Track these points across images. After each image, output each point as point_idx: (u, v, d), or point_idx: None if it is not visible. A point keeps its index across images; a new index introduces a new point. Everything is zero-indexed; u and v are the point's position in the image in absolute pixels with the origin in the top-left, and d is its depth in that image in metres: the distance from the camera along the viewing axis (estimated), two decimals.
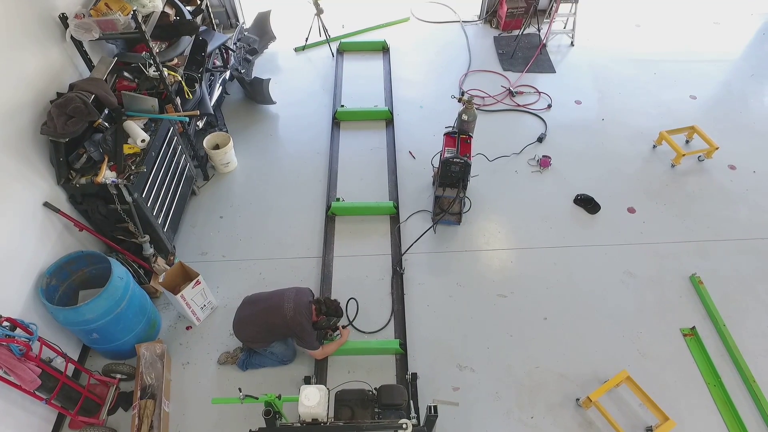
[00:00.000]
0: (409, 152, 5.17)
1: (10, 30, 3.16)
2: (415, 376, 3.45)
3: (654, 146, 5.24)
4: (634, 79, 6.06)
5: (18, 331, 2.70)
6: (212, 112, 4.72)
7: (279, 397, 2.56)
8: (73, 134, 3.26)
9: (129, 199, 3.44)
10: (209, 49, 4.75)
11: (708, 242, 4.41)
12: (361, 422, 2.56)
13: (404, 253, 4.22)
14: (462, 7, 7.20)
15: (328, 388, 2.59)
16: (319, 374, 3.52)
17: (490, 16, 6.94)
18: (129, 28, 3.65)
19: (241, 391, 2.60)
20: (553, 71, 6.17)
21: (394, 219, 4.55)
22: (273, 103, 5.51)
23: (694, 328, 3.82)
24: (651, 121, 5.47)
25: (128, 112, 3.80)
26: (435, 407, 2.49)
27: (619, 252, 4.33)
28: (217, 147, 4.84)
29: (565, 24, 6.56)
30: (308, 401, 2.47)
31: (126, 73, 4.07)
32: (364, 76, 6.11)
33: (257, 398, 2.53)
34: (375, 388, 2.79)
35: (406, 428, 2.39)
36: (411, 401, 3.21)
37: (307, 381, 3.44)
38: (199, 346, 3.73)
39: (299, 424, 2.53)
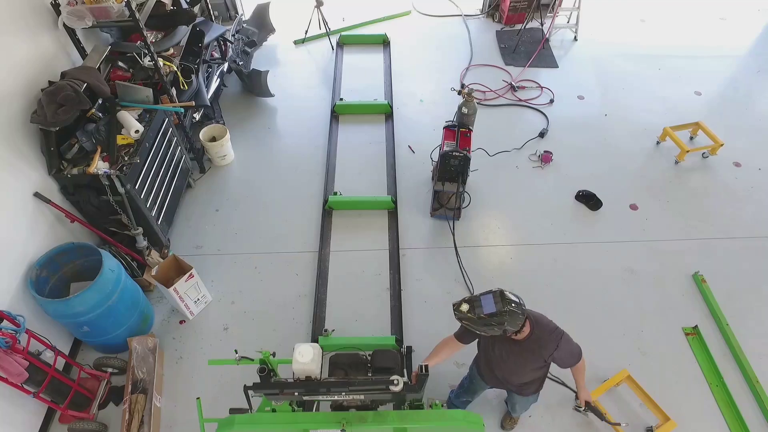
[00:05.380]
0: (409, 146, 5.10)
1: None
2: (410, 349, 3.36)
3: (658, 142, 5.16)
4: (638, 75, 5.98)
5: (4, 323, 2.65)
6: (209, 104, 4.66)
7: (274, 355, 2.56)
8: (64, 123, 3.19)
9: (121, 190, 3.38)
10: (206, 40, 4.68)
11: (712, 240, 4.33)
12: (354, 378, 2.53)
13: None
14: (464, 0, 7.11)
15: (322, 347, 2.59)
16: None
17: (492, 9, 6.85)
18: (123, 16, 3.57)
19: (237, 353, 2.61)
20: (556, 66, 6.09)
21: (392, 214, 4.48)
22: (271, 95, 5.45)
23: (696, 327, 3.75)
24: (655, 117, 5.38)
25: (122, 102, 3.73)
26: (426, 366, 2.51)
27: (621, 249, 4.26)
28: (213, 139, 4.78)
29: (569, 18, 6.46)
30: (302, 357, 2.44)
31: (120, 63, 4.01)
32: (364, 69, 6.04)
33: (252, 360, 2.54)
34: (369, 354, 2.78)
35: (398, 384, 2.36)
36: (405, 370, 3.15)
37: None
38: (193, 340, 3.68)
39: (293, 381, 2.52)
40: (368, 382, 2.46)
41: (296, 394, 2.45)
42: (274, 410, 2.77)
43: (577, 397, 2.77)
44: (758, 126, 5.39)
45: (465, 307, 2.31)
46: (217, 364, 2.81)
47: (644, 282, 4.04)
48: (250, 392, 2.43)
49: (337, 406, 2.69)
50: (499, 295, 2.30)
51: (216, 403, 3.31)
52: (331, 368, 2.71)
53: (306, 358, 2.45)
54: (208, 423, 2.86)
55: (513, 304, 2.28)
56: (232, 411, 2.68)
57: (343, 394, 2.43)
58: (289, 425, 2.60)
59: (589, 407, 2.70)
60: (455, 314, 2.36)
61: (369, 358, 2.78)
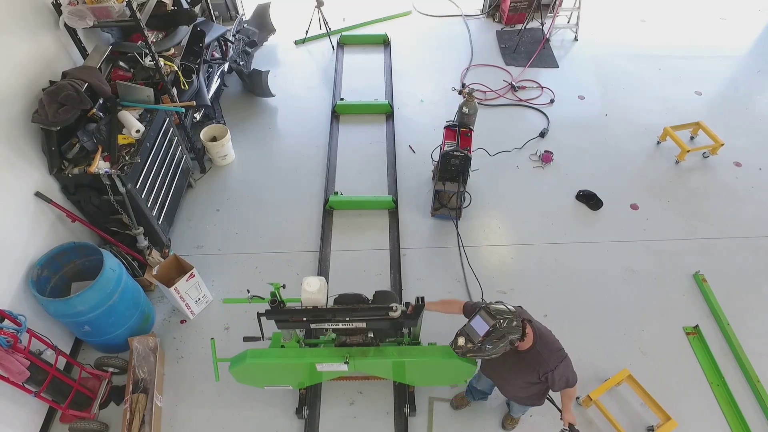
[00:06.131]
0: (409, 146, 5.11)
1: (0, 16, 3.10)
2: (408, 305, 3.37)
3: (658, 142, 5.16)
4: (638, 75, 5.98)
5: (6, 322, 2.65)
6: (209, 104, 4.66)
7: (284, 287, 2.74)
8: (65, 123, 3.20)
9: (122, 190, 3.38)
10: (207, 40, 4.68)
11: (712, 240, 4.33)
12: (356, 306, 2.69)
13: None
14: (464, 0, 7.12)
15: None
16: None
17: (492, 10, 6.86)
18: (124, 16, 3.58)
19: (249, 292, 2.79)
20: (556, 66, 6.09)
21: (393, 213, 4.48)
22: (272, 95, 5.45)
23: (697, 326, 3.75)
24: (655, 117, 5.38)
25: (123, 102, 3.74)
26: (422, 298, 2.65)
27: (622, 249, 4.26)
28: (214, 139, 4.78)
29: (569, 18, 6.46)
30: (309, 287, 2.63)
31: (121, 63, 4.02)
32: (364, 69, 6.04)
33: (263, 298, 2.70)
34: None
35: (396, 310, 2.56)
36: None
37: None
38: (194, 340, 3.68)
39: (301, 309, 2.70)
40: (369, 309, 2.67)
41: (304, 320, 2.64)
42: (283, 347, 2.97)
43: (561, 418, 2.71)
44: (758, 126, 5.39)
45: (461, 340, 2.27)
46: (231, 303, 3.03)
47: (645, 282, 4.04)
48: (263, 318, 2.68)
49: (341, 344, 2.90)
50: (485, 312, 2.27)
51: (215, 405, 3.31)
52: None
53: (313, 288, 2.64)
54: (221, 362, 3.03)
55: (502, 313, 2.26)
56: (246, 339, 2.88)
57: (347, 320, 2.64)
58: (297, 359, 2.83)
59: (572, 430, 2.64)
60: (457, 352, 2.31)
61: (371, 300, 2.93)
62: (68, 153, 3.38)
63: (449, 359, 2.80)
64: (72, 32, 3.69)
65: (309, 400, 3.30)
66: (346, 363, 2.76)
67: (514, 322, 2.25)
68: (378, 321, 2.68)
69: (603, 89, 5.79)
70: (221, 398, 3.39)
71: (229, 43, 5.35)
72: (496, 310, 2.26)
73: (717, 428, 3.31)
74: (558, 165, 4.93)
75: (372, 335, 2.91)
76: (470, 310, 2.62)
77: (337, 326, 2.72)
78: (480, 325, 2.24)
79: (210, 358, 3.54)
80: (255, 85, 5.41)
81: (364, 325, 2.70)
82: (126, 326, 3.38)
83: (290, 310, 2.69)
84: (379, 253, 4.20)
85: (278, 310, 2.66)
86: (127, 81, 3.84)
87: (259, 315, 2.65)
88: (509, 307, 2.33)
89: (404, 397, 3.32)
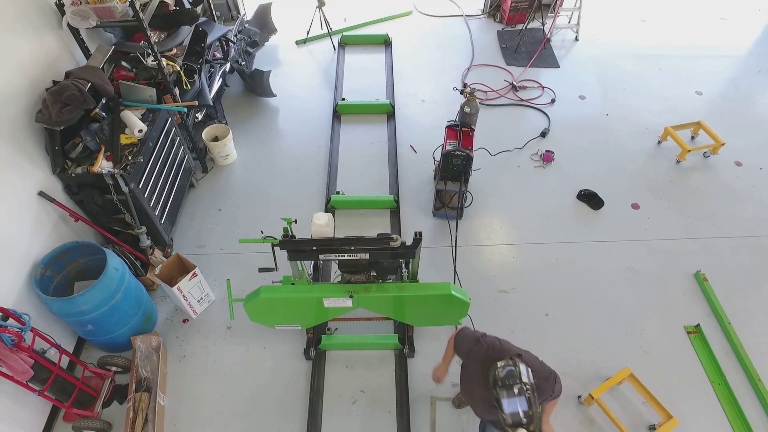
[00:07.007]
0: (411, 146, 5.12)
1: (4, 16, 3.12)
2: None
3: (659, 142, 5.17)
4: (639, 75, 5.99)
5: (10, 321, 2.66)
6: (211, 104, 4.67)
7: (295, 221, 2.93)
8: (69, 122, 3.21)
9: (125, 189, 3.39)
10: (209, 40, 4.69)
11: (713, 239, 4.34)
12: (361, 237, 2.86)
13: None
14: (465, 0, 7.13)
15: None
16: (316, 370, 3.48)
17: (493, 10, 6.87)
18: (127, 16, 3.59)
19: (263, 233, 2.92)
20: (557, 66, 6.10)
21: (395, 213, 4.49)
22: (273, 95, 5.46)
23: (698, 325, 3.76)
24: (656, 117, 5.39)
25: (126, 101, 3.75)
26: (420, 233, 2.85)
27: (623, 248, 4.27)
28: (216, 139, 4.79)
29: (570, 18, 6.47)
30: (318, 221, 2.86)
31: (124, 63, 4.03)
32: (365, 69, 6.05)
33: (276, 239, 2.84)
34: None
35: (396, 240, 2.77)
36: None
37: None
38: (196, 339, 3.69)
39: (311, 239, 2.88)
40: (372, 240, 2.85)
41: (314, 248, 2.82)
42: (293, 284, 3.16)
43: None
44: (759, 125, 5.40)
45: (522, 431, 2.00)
46: (246, 243, 3.05)
47: (646, 281, 4.05)
48: (276, 249, 2.84)
49: (346, 282, 3.12)
50: (504, 390, 2.01)
51: (219, 404, 3.32)
52: None
53: (322, 221, 2.87)
54: (236, 302, 3.16)
55: (512, 377, 2.03)
56: (261, 270, 3.04)
57: (352, 249, 2.82)
58: (307, 293, 3.03)
59: None
60: None
61: None
62: (71, 152, 3.40)
63: (444, 295, 2.96)
64: (75, 32, 3.69)
65: (315, 343, 3.56)
66: (350, 297, 2.94)
67: (539, 365, 2.28)
68: (380, 252, 2.85)
69: (604, 89, 5.81)
70: (223, 398, 3.40)
71: (231, 43, 5.36)
72: (507, 378, 2.01)
73: (718, 427, 3.32)
74: (559, 165, 4.94)
75: (374, 274, 3.10)
76: (459, 344, 2.53)
77: (342, 257, 2.87)
78: (517, 404, 1.99)
79: (211, 361, 3.58)
80: (256, 85, 5.42)
81: (367, 256, 2.86)
82: (129, 325, 3.39)
83: (301, 240, 2.85)
84: None
85: (290, 242, 2.81)
86: (130, 81, 3.86)
87: (273, 246, 2.82)
88: (506, 369, 2.05)
89: (404, 340, 3.59)
